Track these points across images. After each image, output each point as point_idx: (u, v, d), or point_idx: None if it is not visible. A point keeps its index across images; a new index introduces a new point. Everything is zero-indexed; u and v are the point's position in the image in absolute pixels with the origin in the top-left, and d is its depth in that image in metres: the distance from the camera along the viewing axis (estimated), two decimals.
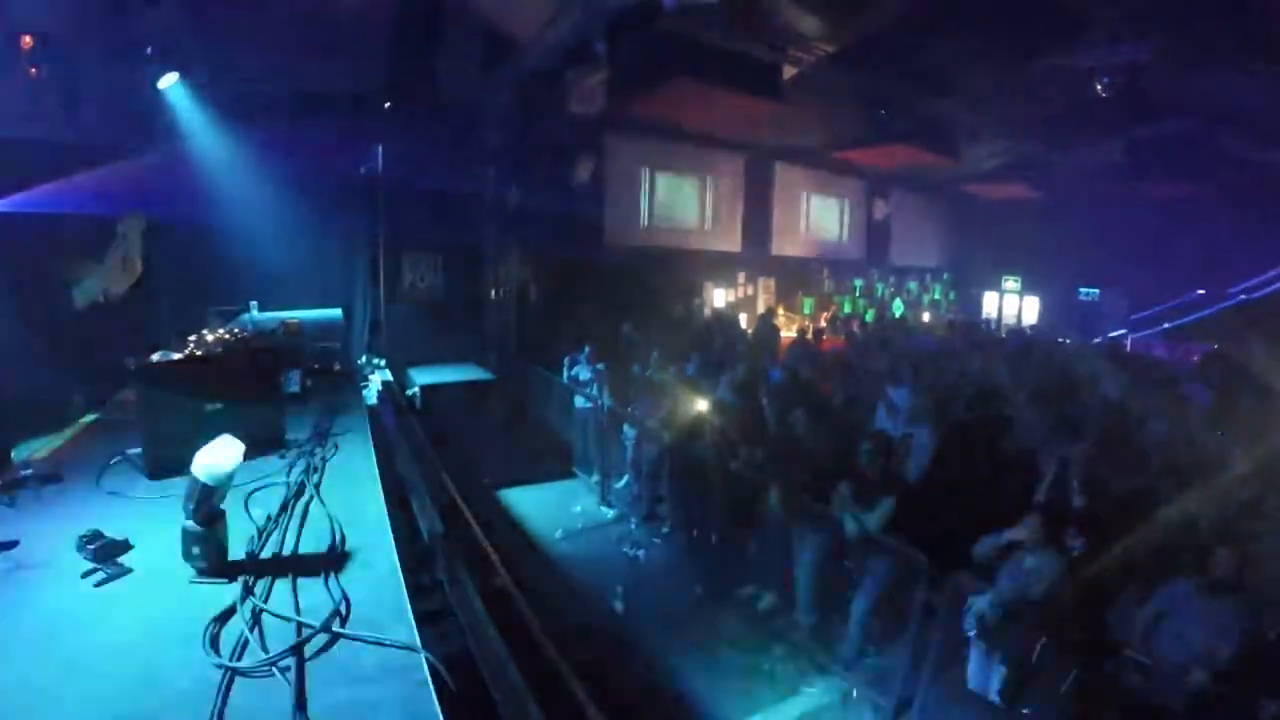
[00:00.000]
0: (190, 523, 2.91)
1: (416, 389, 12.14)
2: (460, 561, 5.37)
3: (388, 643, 2.56)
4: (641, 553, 9.03)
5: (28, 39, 8.31)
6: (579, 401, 11.43)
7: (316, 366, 6.61)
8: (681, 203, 18.54)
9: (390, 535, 3.45)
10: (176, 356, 5.76)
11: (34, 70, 8.37)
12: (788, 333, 16.58)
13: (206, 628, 2.59)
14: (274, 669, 2.41)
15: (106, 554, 3.08)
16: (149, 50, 9.14)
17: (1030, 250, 20.90)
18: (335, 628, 2.62)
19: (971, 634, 6.26)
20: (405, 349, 13.00)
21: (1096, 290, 20.29)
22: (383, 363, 12.07)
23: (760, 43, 12.42)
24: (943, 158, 17.60)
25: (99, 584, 2.93)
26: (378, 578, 3.03)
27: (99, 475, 4.06)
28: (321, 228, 11.68)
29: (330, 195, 11.88)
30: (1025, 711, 6.06)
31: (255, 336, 6.52)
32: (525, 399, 13.19)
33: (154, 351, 5.95)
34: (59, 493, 3.84)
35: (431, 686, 2.38)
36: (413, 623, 2.69)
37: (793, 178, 20.68)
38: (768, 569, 8.14)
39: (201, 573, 2.93)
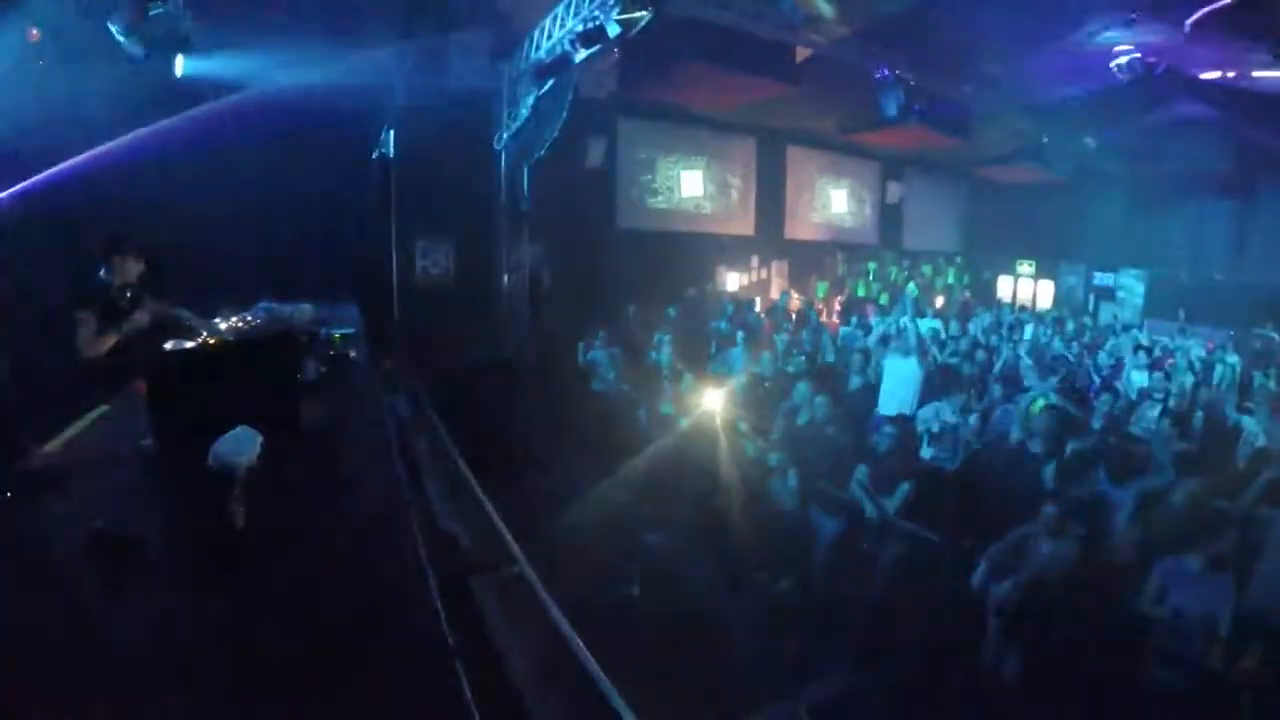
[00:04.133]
0: (206, 515, 2.87)
1: (432, 373, 12.11)
2: (477, 548, 5.35)
3: (415, 634, 2.52)
4: (659, 536, 9.01)
5: (35, 32, 8.28)
6: (595, 385, 11.40)
7: (331, 354, 6.56)
8: (694, 186, 18.45)
9: (414, 523, 3.41)
10: (189, 345, 5.70)
11: (41, 62, 8.35)
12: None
13: (224, 623, 2.54)
14: (301, 672, 2.36)
15: (118, 548, 3.02)
16: (157, 38, 9.12)
17: (1045, 234, 20.77)
18: (359, 621, 2.58)
19: (990, 618, 6.26)
20: (419, 335, 12.96)
21: (1113, 274, 20.13)
22: (398, 348, 12.04)
23: (773, 24, 12.32)
24: (956, 139, 17.50)
25: (111, 579, 2.88)
26: (401, 568, 2.98)
27: (110, 467, 4.03)
28: (334, 215, 11.66)
29: (342, 182, 11.85)
30: (1043, 694, 6.06)
31: (269, 324, 6.47)
32: (541, 383, 13.15)
33: (166, 340, 5.90)
34: (70, 486, 3.80)
35: (464, 679, 2.34)
36: (441, 613, 2.65)
37: (806, 160, 20.58)
38: (786, 553, 8.12)
39: (219, 566, 2.89)
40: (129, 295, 6.07)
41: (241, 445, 2.93)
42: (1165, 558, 5.92)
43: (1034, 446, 7.55)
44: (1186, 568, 5.73)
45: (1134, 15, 10.66)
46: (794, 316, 15.83)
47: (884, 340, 11.18)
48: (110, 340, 5.81)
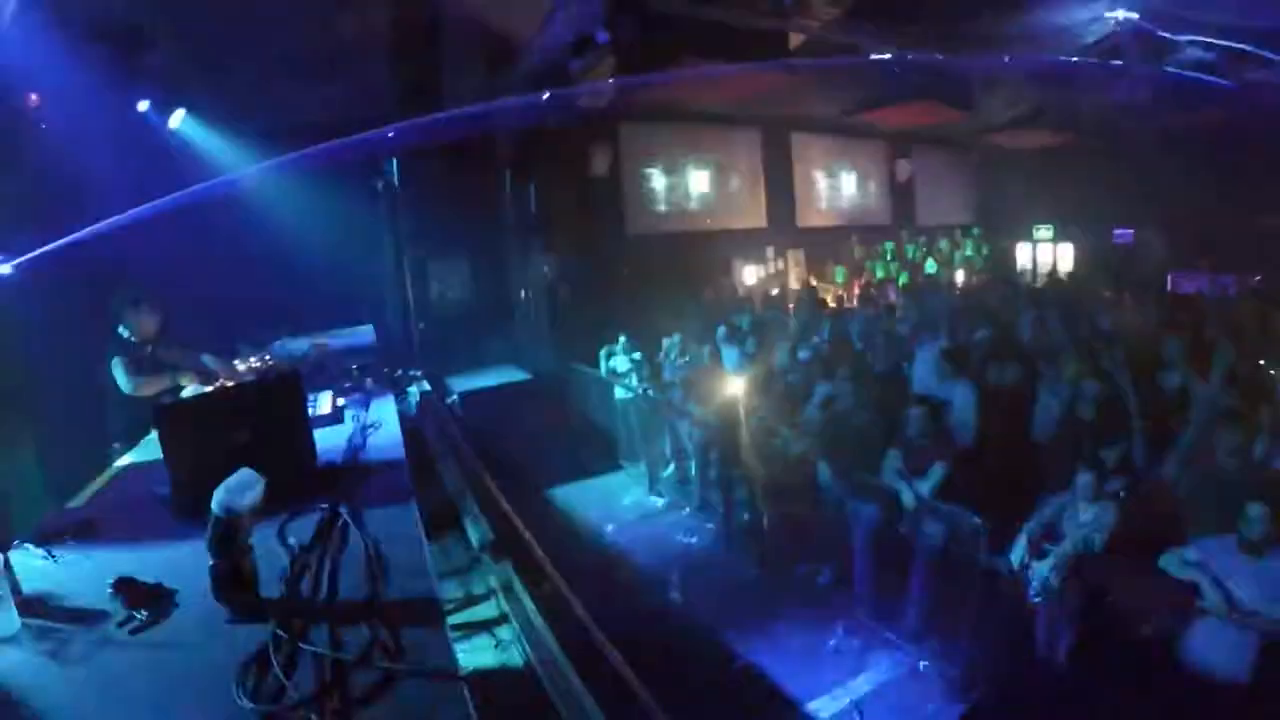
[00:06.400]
0: (217, 561, 2.83)
1: (455, 396, 12.13)
2: (512, 567, 5.30)
3: (429, 670, 2.46)
4: (695, 539, 8.95)
5: (34, 96, 8.32)
6: (619, 393, 11.36)
7: (348, 385, 6.54)
8: (701, 184, 18.36)
9: (427, 554, 3.35)
10: (207, 390, 5.73)
11: (43, 125, 8.38)
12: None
13: (240, 671, 2.49)
14: (312, 711, 2.31)
15: (140, 600, 3.00)
16: (152, 90, 9.20)
17: (1060, 196, 20.47)
18: (375, 661, 2.52)
19: (1037, 599, 6.13)
20: (440, 358, 12.98)
21: (1131, 230, 19.87)
22: (419, 374, 12.06)
23: (763, 11, 12.24)
24: (960, 111, 17.31)
25: (134, 631, 2.86)
26: (417, 601, 2.93)
27: (130, 518, 4.01)
28: (346, 246, 11.70)
29: (352, 214, 11.89)
30: (1096, 672, 5.93)
31: (283, 361, 6.47)
32: (565, 396, 13.13)
33: (181, 389, 5.96)
34: (94, 539, 3.79)
35: (472, 711, 2.29)
36: (452, 646, 2.59)
37: (812, 147, 20.45)
38: (824, 545, 8.03)
39: (234, 613, 2.84)
40: (149, 350, 6.18)
41: (244, 488, 2.88)
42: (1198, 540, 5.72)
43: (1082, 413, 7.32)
44: (1226, 550, 5.47)
45: None
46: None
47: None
48: (152, 386, 5.94)
